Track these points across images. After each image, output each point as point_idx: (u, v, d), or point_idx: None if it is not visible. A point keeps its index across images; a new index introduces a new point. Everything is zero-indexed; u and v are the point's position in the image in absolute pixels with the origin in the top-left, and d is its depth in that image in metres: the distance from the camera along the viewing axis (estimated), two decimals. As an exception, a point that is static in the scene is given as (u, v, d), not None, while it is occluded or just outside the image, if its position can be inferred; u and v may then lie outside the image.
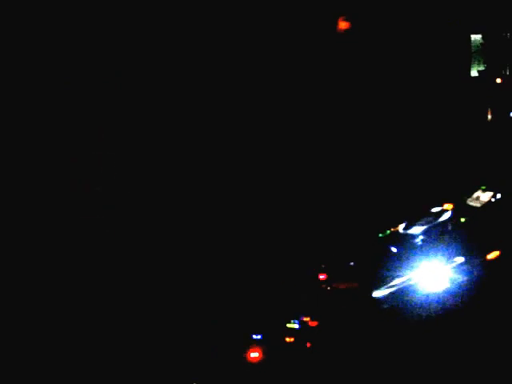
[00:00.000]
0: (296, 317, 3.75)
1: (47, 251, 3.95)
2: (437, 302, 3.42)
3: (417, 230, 3.72)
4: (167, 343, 3.80)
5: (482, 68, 4.62)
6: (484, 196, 3.72)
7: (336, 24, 4.72)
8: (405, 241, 3.73)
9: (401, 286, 3.51)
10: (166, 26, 4.39)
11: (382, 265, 3.70)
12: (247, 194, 4.33)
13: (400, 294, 3.49)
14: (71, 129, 4.20)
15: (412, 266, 3.56)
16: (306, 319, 3.76)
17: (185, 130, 4.34)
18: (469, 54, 4.66)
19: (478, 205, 3.70)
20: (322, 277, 3.91)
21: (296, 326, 3.73)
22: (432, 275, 3.49)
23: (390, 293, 3.52)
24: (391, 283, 3.55)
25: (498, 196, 3.75)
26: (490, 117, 4.45)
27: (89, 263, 3.97)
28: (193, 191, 4.27)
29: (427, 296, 3.44)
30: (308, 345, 3.69)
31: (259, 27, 4.52)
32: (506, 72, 4.64)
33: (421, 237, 3.69)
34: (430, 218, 3.72)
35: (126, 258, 4.02)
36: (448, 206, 3.76)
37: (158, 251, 4.10)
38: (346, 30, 4.70)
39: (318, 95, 4.49)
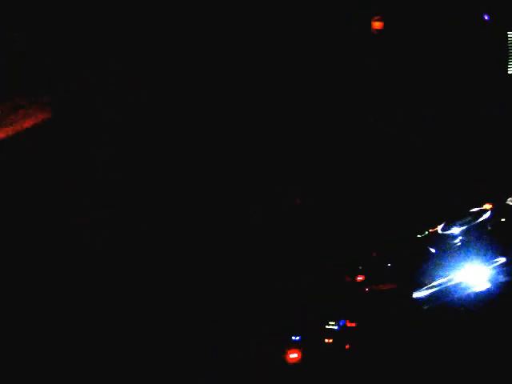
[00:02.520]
0: (335, 319, 3.74)
1: (47, 251, 3.95)
2: (478, 302, 3.39)
3: (456, 230, 3.69)
4: (207, 343, 3.82)
5: (520, 65, 4.57)
6: (525, 196, 3.68)
7: (370, 24, 4.70)
8: (444, 241, 3.69)
9: (441, 287, 3.48)
10: (165, 26, 4.37)
11: (421, 266, 3.67)
12: (287, 192, 4.33)
13: (440, 295, 3.46)
14: (71, 129, 4.20)
15: (452, 267, 3.53)
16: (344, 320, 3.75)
17: (185, 130, 4.33)
18: (506, 51, 4.61)
19: (519, 205, 3.66)
20: (359, 278, 3.90)
21: (335, 327, 3.73)
22: (472, 276, 3.45)
23: (430, 294, 3.49)
24: (431, 284, 3.52)
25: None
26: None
27: (89, 263, 3.96)
28: (204, 189, 4.24)
29: (468, 297, 3.41)
30: (347, 346, 3.69)
31: (290, 25, 4.52)
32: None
33: (460, 237, 3.65)
34: (469, 219, 3.68)
35: (128, 258, 4.01)
36: (487, 206, 3.72)
37: (175, 249, 4.07)
38: (379, 30, 4.68)
39: (358, 91, 4.48)
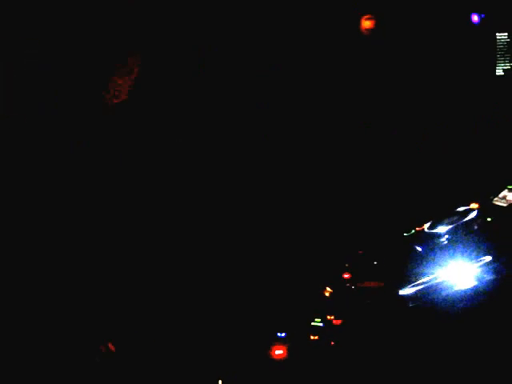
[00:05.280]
0: (320, 315, 3.75)
1: (46, 251, 3.94)
2: (464, 300, 3.41)
3: (442, 229, 3.71)
4: (191, 340, 3.82)
5: (508, 67, 4.60)
6: (511, 195, 3.71)
7: (359, 23, 4.72)
8: (430, 240, 3.72)
9: (427, 284, 3.50)
10: (165, 26, 4.38)
11: (407, 264, 3.69)
12: (272, 191, 4.34)
13: (426, 293, 3.48)
14: (71, 129, 4.19)
15: (438, 265, 3.55)
16: (330, 318, 3.76)
17: (185, 130, 4.34)
18: (494, 53, 4.64)
19: (505, 204, 3.68)
20: (346, 276, 3.91)
21: (320, 324, 3.74)
22: (458, 274, 3.48)
23: (416, 291, 3.51)
24: (417, 282, 3.55)
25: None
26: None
27: (89, 263, 3.96)
28: (205, 189, 4.25)
29: (454, 294, 3.43)
30: (332, 343, 3.70)
31: (279, 24, 4.53)
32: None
33: (446, 236, 3.67)
34: (456, 218, 3.71)
35: (128, 257, 4.00)
36: (474, 206, 3.75)
37: (174, 249, 4.08)
38: (369, 30, 4.69)
39: (348, 91, 4.50)
